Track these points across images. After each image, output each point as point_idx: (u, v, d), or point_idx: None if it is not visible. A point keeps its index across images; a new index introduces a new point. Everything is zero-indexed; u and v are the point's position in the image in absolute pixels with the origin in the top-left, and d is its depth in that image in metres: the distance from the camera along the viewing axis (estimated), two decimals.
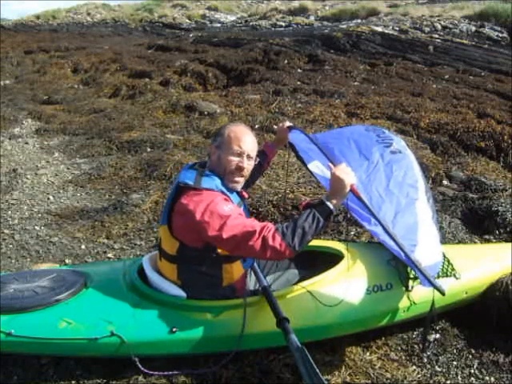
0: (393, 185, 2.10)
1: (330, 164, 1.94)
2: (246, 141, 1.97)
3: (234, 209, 1.85)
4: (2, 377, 2.02)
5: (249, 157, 1.98)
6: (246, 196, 2.13)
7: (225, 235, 1.76)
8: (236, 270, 2.04)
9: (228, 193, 1.95)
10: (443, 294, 1.85)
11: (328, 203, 1.80)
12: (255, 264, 2.20)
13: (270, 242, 1.72)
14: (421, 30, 14.71)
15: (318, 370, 1.68)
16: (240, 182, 1.99)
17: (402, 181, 2.13)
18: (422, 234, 1.98)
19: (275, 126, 5.63)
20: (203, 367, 1.98)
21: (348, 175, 1.83)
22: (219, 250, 1.93)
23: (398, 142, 2.36)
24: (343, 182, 1.81)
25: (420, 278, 1.91)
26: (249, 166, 1.99)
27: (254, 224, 1.79)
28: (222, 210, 1.80)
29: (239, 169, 1.96)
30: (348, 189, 1.83)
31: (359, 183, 2.00)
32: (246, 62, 10.31)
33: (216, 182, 1.93)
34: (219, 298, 2.03)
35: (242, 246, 1.76)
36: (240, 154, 1.95)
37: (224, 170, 1.96)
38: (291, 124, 2.34)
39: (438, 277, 2.22)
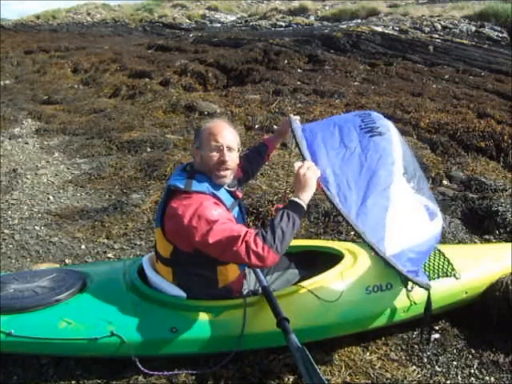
0: (365, 172, 2.05)
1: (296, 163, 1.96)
2: (223, 134, 1.95)
3: (222, 213, 1.84)
4: (1, 377, 2.02)
5: (229, 149, 1.96)
6: (240, 196, 2.12)
7: (210, 240, 1.75)
8: (231, 271, 2.03)
9: (220, 194, 1.94)
10: (425, 287, 1.89)
11: (297, 200, 1.82)
12: None
13: (253, 246, 1.70)
14: (421, 30, 14.70)
15: (318, 370, 1.68)
16: (227, 175, 1.97)
17: (376, 167, 2.07)
18: (390, 220, 1.93)
19: (275, 126, 5.63)
20: (203, 367, 1.98)
21: (310, 170, 1.87)
22: None
23: (382, 124, 2.29)
24: (306, 177, 1.85)
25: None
26: (231, 157, 1.96)
27: (240, 229, 1.77)
28: (211, 215, 1.79)
29: (221, 162, 1.93)
30: (314, 182, 1.87)
31: (331, 174, 1.99)
32: (246, 62, 10.31)
33: (207, 185, 1.92)
34: (217, 298, 2.03)
35: (228, 252, 1.74)
36: (219, 149, 1.93)
37: (209, 168, 1.95)
38: (294, 117, 2.33)
39: (439, 276, 2.23)
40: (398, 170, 2.10)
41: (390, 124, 2.35)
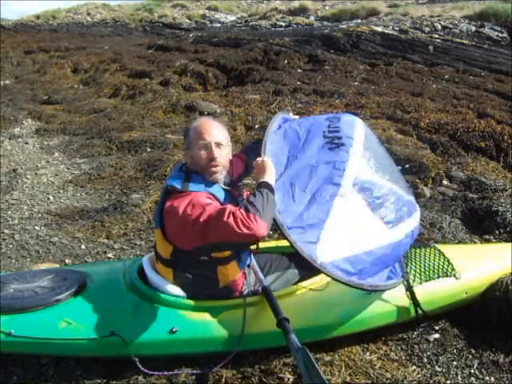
0: (311, 186, 2.04)
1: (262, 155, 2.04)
2: (209, 132, 1.98)
3: (215, 203, 1.89)
4: (1, 377, 2.02)
5: (218, 145, 1.98)
6: (237, 195, 2.13)
7: (202, 219, 1.78)
8: (231, 270, 2.04)
9: (216, 193, 1.97)
10: (365, 289, 1.95)
11: (262, 180, 1.90)
12: (255, 264, 2.20)
13: (239, 215, 1.73)
14: (421, 30, 14.69)
15: (319, 370, 1.68)
16: (218, 171, 2.00)
17: (323, 182, 2.06)
18: (325, 234, 1.92)
19: None
20: (203, 367, 1.98)
21: (268, 160, 2.00)
22: (212, 254, 1.95)
23: (345, 133, 2.25)
24: (264, 163, 1.97)
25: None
26: (220, 153, 1.99)
27: (226, 205, 1.83)
28: (204, 201, 1.85)
29: (211, 160, 1.96)
30: (273, 168, 1.98)
31: (281, 185, 2.02)
32: (246, 62, 10.30)
33: (203, 185, 1.95)
34: (217, 298, 2.04)
35: (221, 226, 1.75)
36: (207, 146, 1.96)
37: (200, 167, 1.98)
38: (293, 117, 2.31)
39: (439, 276, 2.23)
40: (347, 183, 2.08)
41: (356, 129, 2.31)
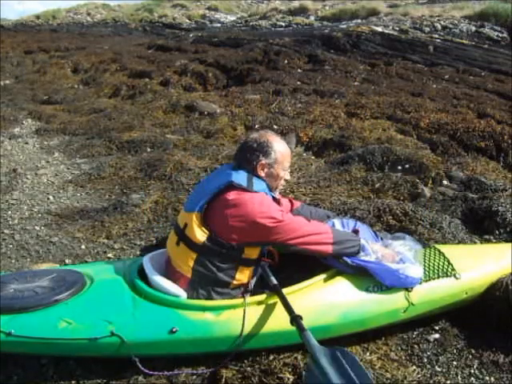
0: None
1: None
2: (290, 156, 2.26)
3: (283, 211, 2.08)
4: (1, 377, 2.02)
5: None
6: (281, 200, 2.35)
7: (277, 219, 1.96)
8: (248, 273, 2.08)
9: (275, 198, 2.17)
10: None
11: (366, 246, 2.20)
12: (265, 264, 2.21)
13: (323, 236, 2.09)
14: (421, 30, 14.69)
15: (345, 365, 1.67)
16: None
17: None
18: None
19: (275, 126, 5.64)
20: (203, 367, 1.98)
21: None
22: (246, 252, 2.01)
23: None
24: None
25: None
26: None
27: (315, 225, 2.14)
28: (274, 204, 2.06)
29: (286, 181, 2.29)
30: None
31: None
32: (246, 62, 10.30)
33: (265, 188, 2.09)
34: (224, 296, 2.05)
35: (312, 246, 2.08)
36: (289, 171, 2.26)
37: (275, 183, 2.18)
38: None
39: (439, 276, 2.23)
40: None
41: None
